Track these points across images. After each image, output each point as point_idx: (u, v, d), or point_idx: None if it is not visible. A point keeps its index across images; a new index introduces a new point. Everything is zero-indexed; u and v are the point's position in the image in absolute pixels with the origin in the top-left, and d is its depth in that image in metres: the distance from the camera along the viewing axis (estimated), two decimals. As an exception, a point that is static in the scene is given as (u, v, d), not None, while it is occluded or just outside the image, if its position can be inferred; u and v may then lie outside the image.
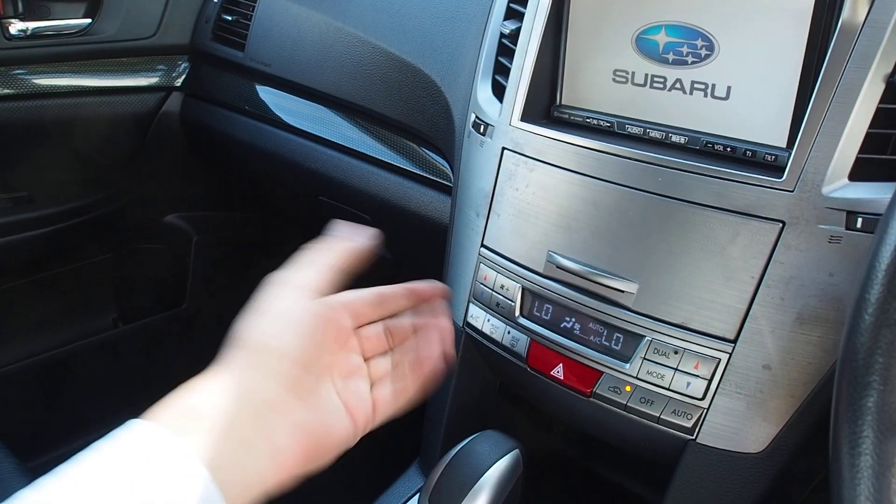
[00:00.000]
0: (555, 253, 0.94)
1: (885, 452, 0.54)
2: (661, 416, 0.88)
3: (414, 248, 1.58)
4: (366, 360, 0.76)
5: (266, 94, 1.85)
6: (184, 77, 2.07)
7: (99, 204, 2.14)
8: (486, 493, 0.86)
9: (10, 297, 2.13)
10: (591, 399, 0.93)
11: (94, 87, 1.95)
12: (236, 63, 1.87)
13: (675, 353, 0.86)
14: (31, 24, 1.79)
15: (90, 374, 2.26)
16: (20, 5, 1.76)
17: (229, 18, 1.89)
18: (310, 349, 0.69)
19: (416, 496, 0.93)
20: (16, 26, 1.76)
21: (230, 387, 0.67)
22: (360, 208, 1.64)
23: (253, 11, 1.81)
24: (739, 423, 0.84)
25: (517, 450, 0.91)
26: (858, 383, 0.56)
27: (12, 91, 1.82)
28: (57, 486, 0.58)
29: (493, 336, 1.03)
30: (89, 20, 1.88)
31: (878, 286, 0.56)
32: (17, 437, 1.59)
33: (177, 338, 2.43)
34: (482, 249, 1.05)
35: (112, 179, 2.15)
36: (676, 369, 0.86)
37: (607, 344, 0.92)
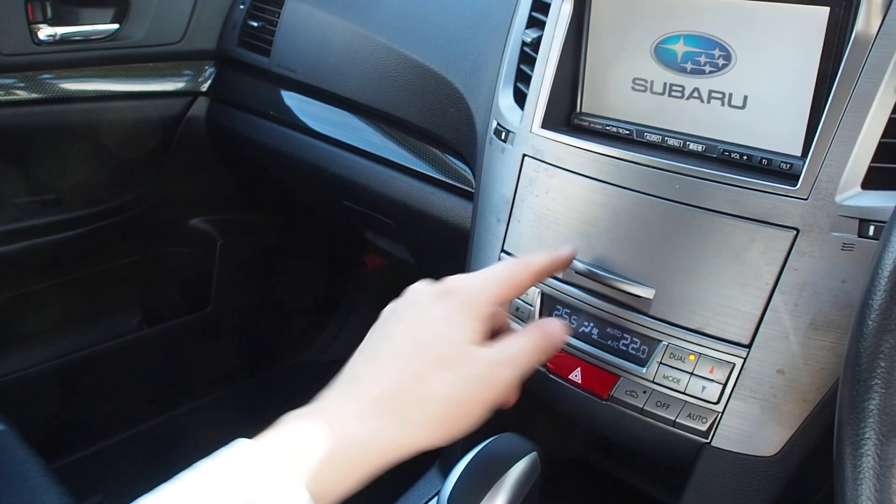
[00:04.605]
0: (574, 259, 0.96)
1: (886, 454, 0.56)
2: (677, 420, 0.89)
3: (436, 252, 1.60)
4: None
5: (291, 99, 1.87)
6: (210, 82, 2.09)
7: (125, 207, 2.17)
8: (504, 494, 0.87)
9: (37, 298, 2.15)
10: (608, 402, 0.94)
11: (122, 91, 1.98)
12: (262, 68, 1.89)
13: (691, 357, 0.88)
14: (60, 30, 1.82)
15: (115, 376, 2.29)
16: (49, 10, 1.79)
17: (255, 24, 1.92)
18: None
19: (436, 498, 0.94)
20: (45, 31, 1.78)
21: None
22: (383, 213, 1.66)
23: (279, 17, 1.83)
24: (753, 427, 0.85)
25: (535, 452, 0.92)
26: (861, 386, 0.58)
27: (41, 95, 1.85)
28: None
29: (513, 340, 1.04)
30: (117, 25, 1.91)
31: (880, 292, 0.57)
32: (44, 437, 1.61)
33: (201, 340, 2.45)
34: (502, 255, 1.06)
35: (138, 183, 2.17)
36: (692, 374, 0.88)
37: (624, 349, 0.93)
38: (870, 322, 0.58)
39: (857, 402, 0.58)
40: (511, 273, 0.82)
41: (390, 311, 0.80)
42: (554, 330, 0.82)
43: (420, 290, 0.81)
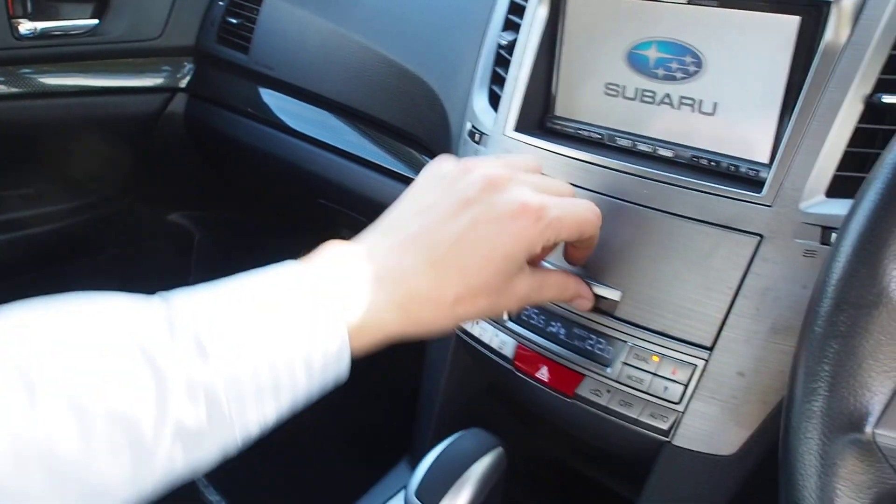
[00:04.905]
0: (543, 260, 0.97)
1: (828, 453, 0.58)
2: (639, 419, 0.90)
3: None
4: None
5: (269, 97, 1.87)
6: (188, 78, 2.10)
7: (104, 202, 2.17)
8: (469, 488, 0.89)
9: (15, 293, 2.14)
10: (573, 400, 0.95)
11: (101, 87, 1.99)
12: (240, 66, 1.89)
13: (655, 358, 0.89)
14: (40, 24, 1.82)
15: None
16: (29, 5, 1.80)
17: (234, 21, 1.91)
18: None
19: (403, 491, 0.96)
20: (25, 26, 1.79)
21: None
22: (357, 211, 1.67)
23: (257, 14, 1.83)
24: (713, 427, 0.87)
25: (500, 447, 0.94)
26: (807, 388, 0.60)
27: (21, 90, 1.85)
28: (202, 294, 0.66)
29: (482, 339, 1.05)
30: (97, 21, 1.92)
31: (827, 299, 0.59)
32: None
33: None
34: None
35: (117, 178, 2.17)
36: (655, 374, 0.89)
37: (590, 348, 0.94)
38: (816, 328, 0.60)
39: (803, 403, 0.60)
40: (594, 214, 0.82)
41: (476, 181, 0.77)
42: (583, 300, 0.89)
43: (515, 180, 0.77)
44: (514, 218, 0.74)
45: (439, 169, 0.82)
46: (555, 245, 0.81)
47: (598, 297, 0.91)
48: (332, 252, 0.74)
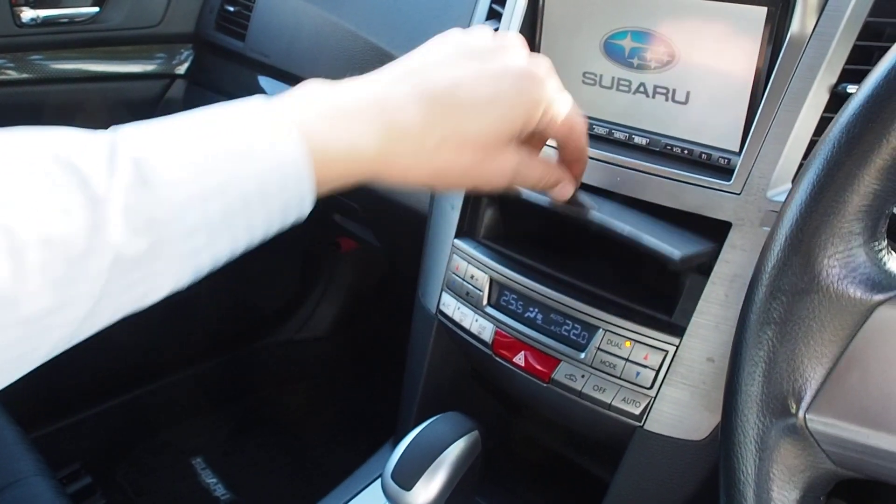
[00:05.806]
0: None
1: (763, 438, 0.60)
2: (612, 403, 0.92)
3: (399, 236, 1.62)
4: None
5: (266, 84, 1.88)
6: (187, 65, 2.12)
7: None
8: (444, 470, 0.90)
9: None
10: (549, 385, 0.97)
11: (102, 73, 2.01)
12: (238, 53, 1.91)
13: (627, 344, 0.91)
14: (42, 12, 1.85)
15: (92, 350, 2.29)
16: (31, -7, 1.82)
17: (231, 9, 1.93)
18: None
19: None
20: (27, 14, 1.82)
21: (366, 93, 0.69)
22: (349, 198, 1.68)
23: (254, 2, 1.85)
24: (684, 412, 0.89)
25: (476, 430, 0.95)
26: (743, 374, 0.61)
27: (23, 76, 1.88)
28: (163, 124, 0.62)
29: (462, 323, 1.07)
30: (97, 8, 1.94)
31: (762, 288, 0.61)
32: (22, 407, 1.63)
33: (175, 318, 2.47)
34: (456, 241, 1.09)
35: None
36: (628, 360, 0.90)
37: (566, 334, 0.96)
38: (752, 315, 0.61)
39: (740, 389, 0.62)
40: (583, 119, 0.81)
41: (491, 42, 0.74)
42: (565, 186, 0.84)
43: (529, 54, 0.76)
44: (521, 78, 0.72)
45: (459, 33, 0.76)
46: (543, 136, 0.80)
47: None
48: (309, 86, 0.68)
